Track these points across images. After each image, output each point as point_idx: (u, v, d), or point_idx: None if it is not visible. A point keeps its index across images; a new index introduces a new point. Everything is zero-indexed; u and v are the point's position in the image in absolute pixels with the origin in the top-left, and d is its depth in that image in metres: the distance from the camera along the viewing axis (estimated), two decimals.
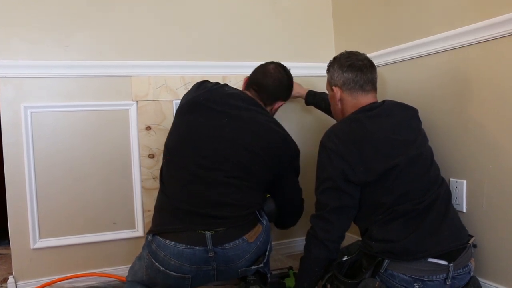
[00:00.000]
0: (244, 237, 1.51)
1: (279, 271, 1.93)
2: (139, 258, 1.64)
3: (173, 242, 1.46)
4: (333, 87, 1.64)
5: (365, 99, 1.60)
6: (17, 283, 1.92)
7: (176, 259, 1.46)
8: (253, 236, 1.54)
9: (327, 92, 1.77)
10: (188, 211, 1.49)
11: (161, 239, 1.48)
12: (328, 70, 1.69)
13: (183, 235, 1.47)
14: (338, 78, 1.62)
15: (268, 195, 1.71)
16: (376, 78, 1.63)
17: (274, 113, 1.84)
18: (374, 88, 1.63)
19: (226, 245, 1.48)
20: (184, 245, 1.45)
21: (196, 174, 1.52)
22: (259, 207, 1.61)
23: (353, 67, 1.59)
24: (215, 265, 1.49)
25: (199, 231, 1.46)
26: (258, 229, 1.57)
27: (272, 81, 1.75)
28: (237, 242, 1.50)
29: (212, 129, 1.56)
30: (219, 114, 1.57)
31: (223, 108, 1.58)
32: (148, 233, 1.55)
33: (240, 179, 1.53)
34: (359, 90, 1.59)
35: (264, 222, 1.61)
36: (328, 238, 1.48)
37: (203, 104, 1.59)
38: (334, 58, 1.68)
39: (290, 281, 1.81)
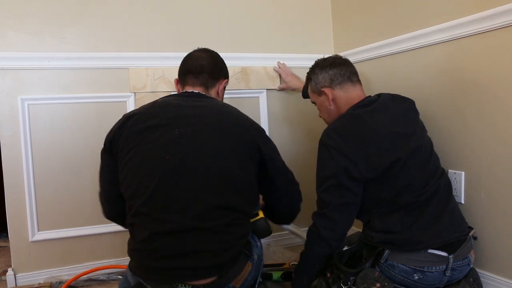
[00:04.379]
0: (230, 284, 1.33)
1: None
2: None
3: None
4: (322, 90, 1.62)
5: (355, 92, 1.61)
6: (16, 276, 1.92)
7: None
8: (240, 280, 1.36)
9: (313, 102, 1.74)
10: (160, 267, 1.28)
11: (142, 281, 1.32)
12: (310, 79, 1.69)
13: (162, 287, 1.30)
14: (325, 78, 1.62)
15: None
16: (357, 72, 1.66)
17: (222, 96, 1.66)
18: (359, 80, 1.65)
19: None
20: None
21: (162, 222, 1.28)
22: (247, 238, 1.40)
23: (335, 63, 1.63)
24: None
25: (179, 285, 1.28)
26: (247, 269, 1.38)
27: (203, 59, 1.57)
28: None
29: (157, 163, 1.32)
30: (167, 135, 1.34)
31: (168, 119, 1.37)
32: (129, 268, 1.37)
33: (221, 217, 1.29)
34: (348, 82, 1.60)
35: (255, 256, 1.41)
36: (331, 237, 1.46)
37: (143, 128, 1.37)
38: (311, 67, 1.70)
39: (276, 274, 1.82)
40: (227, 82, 1.66)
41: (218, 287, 1.30)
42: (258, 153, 1.40)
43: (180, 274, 1.28)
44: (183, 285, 1.28)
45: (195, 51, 1.63)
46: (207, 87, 1.56)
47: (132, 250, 1.34)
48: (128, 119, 1.41)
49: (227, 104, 1.51)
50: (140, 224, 1.31)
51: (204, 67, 1.56)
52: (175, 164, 1.30)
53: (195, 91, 1.53)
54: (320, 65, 1.65)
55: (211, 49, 1.65)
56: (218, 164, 1.32)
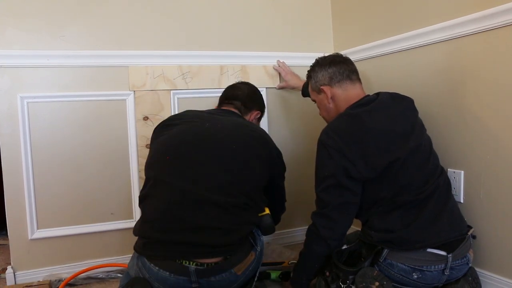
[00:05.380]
0: (232, 270, 1.40)
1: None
2: (133, 257, 1.53)
3: (157, 268, 1.37)
4: (322, 88, 1.63)
5: (354, 90, 1.60)
6: (15, 274, 1.92)
7: (159, 283, 1.38)
8: (242, 267, 1.42)
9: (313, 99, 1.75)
10: (167, 241, 1.37)
11: (146, 260, 1.39)
12: (310, 77, 1.70)
13: (166, 263, 1.37)
14: (324, 76, 1.63)
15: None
16: (357, 70, 1.65)
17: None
18: (359, 79, 1.65)
19: (212, 278, 1.38)
20: (168, 273, 1.36)
21: (179, 191, 1.40)
22: (254, 227, 1.49)
23: (334, 61, 1.63)
24: None
25: (183, 262, 1.35)
26: (250, 258, 1.45)
27: (240, 90, 1.82)
28: (224, 276, 1.39)
29: (194, 138, 1.50)
30: (198, 124, 1.55)
31: (200, 118, 1.58)
32: (135, 249, 1.45)
33: (232, 196, 1.41)
34: (347, 80, 1.60)
35: (258, 248, 1.49)
36: (331, 236, 1.46)
37: (177, 123, 1.58)
38: (312, 65, 1.71)
39: (274, 273, 1.83)
40: (260, 114, 1.86)
41: (221, 268, 1.38)
42: (272, 169, 1.57)
43: (187, 251, 1.35)
44: (188, 262, 1.35)
45: (238, 83, 1.91)
46: (240, 111, 1.76)
47: (142, 224, 1.44)
48: (163, 120, 1.64)
49: (257, 125, 1.71)
50: (154, 195, 1.43)
51: (238, 96, 1.79)
52: (200, 141, 1.48)
53: (230, 109, 1.73)
54: (320, 63, 1.66)
55: (246, 82, 1.90)
56: (239, 156, 1.48)
